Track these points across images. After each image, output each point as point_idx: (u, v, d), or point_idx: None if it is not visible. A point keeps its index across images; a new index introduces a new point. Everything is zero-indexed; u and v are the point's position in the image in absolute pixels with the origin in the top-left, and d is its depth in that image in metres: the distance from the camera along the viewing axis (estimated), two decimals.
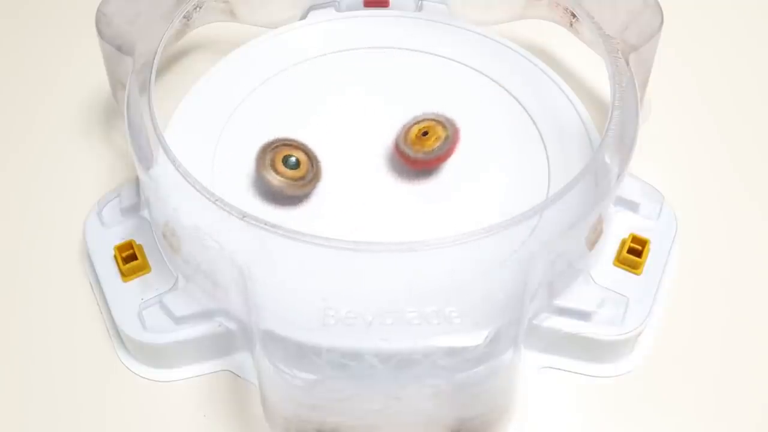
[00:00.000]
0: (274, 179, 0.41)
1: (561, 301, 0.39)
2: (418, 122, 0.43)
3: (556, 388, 0.40)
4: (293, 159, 0.42)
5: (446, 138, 0.42)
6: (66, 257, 0.43)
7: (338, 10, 0.50)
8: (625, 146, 0.39)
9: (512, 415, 0.38)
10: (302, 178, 0.42)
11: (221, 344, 0.39)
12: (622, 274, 0.41)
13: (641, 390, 0.40)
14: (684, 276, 0.43)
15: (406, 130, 0.43)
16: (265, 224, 0.36)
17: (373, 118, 0.45)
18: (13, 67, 0.52)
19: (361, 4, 0.50)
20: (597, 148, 0.39)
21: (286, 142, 0.42)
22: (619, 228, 0.42)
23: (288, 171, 0.41)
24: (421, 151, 0.42)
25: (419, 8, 0.50)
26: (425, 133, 0.42)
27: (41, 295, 0.42)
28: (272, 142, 0.42)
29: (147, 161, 0.39)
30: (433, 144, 0.42)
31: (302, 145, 0.42)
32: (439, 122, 0.43)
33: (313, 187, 0.42)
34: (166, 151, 0.38)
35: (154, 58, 0.42)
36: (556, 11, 0.48)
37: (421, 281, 0.36)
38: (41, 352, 0.41)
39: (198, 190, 0.37)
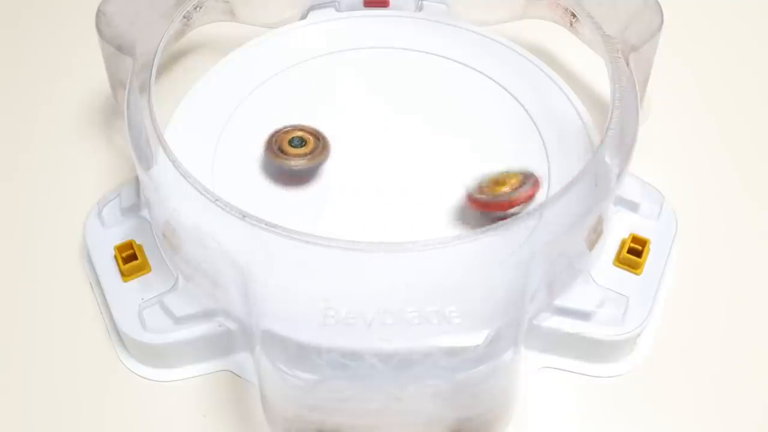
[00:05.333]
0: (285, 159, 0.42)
1: (561, 301, 0.39)
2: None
3: (556, 388, 0.40)
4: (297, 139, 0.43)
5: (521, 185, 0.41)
6: (66, 257, 0.43)
7: (338, 10, 0.50)
8: (625, 146, 0.39)
9: (512, 415, 0.38)
10: (310, 153, 0.43)
11: (221, 344, 0.39)
12: (622, 274, 0.41)
13: (641, 390, 0.40)
14: (684, 276, 0.43)
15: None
16: (265, 224, 0.35)
17: (373, 118, 0.45)
18: (13, 67, 0.52)
19: (361, 4, 0.50)
20: (597, 148, 0.39)
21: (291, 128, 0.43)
22: (619, 228, 0.42)
23: (293, 150, 0.42)
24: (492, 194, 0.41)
25: (419, 8, 0.50)
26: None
27: (42, 295, 0.42)
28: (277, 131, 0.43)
29: (147, 161, 0.39)
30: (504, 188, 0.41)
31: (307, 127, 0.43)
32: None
33: (323, 159, 0.43)
34: (166, 151, 0.38)
35: (154, 58, 0.42)
36: (556, 11, 0.48)
37: (422, 281, 0.36)
38: (41, 352, 0.41)
39: (198, 190, 0.37)
